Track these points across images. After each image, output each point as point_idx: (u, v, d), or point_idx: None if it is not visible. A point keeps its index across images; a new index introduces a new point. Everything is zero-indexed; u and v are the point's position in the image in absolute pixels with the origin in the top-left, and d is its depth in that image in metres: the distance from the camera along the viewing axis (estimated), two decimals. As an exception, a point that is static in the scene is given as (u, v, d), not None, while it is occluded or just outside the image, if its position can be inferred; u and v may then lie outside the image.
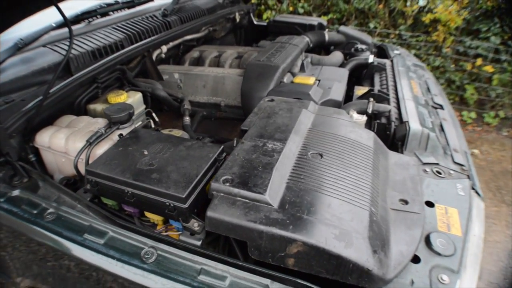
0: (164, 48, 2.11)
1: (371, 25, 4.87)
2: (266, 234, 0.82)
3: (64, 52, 1.51)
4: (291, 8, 5.31)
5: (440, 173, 1.23)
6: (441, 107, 1.81)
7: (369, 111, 1.61)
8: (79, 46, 1.59)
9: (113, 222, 1.01)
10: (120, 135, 1.23)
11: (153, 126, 1.73)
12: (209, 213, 0.87)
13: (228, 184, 0.92)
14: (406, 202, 1.04)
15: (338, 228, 0.84)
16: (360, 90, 1.91)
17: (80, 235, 0.96)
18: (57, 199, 1.13)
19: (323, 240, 0.80)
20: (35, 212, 1.05)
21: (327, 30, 2.80)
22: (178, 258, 0.89)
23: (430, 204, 1.08)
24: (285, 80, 1.88)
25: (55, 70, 1.37)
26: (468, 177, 1.25)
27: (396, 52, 2.56)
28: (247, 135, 1.16)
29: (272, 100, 1.46)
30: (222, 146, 1.13)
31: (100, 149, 1.18)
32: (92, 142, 1.18)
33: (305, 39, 2.35)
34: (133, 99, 1.60)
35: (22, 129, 1.25)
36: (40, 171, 1.24)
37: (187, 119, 1.82)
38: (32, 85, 1.40)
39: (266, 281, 0.83)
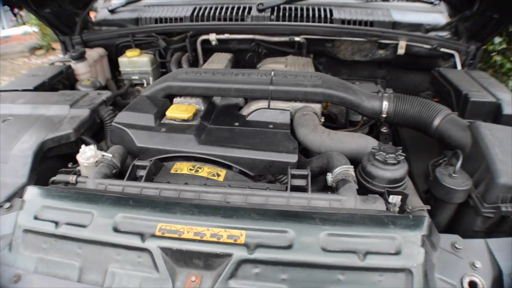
0: (212, 36, 2.34)
1: None
2: None
3: (146, 14, 2.41)
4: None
5: None
6: None
7: None
8: (154, 12, 2.44)
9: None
10: (63, 63, 2.13)
11: (145, 85, 2.36)
12: None
13: None
14: None
15: None
16: None
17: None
18: None
19: None
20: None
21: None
22: None
23: None
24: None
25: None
26: None
27: None
28: None
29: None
30: None
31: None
32: (60, 60, 2.18)
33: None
34: (140, 58, 2.29)
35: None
36: None
37: None
38: (117, 25, 2.43)
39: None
